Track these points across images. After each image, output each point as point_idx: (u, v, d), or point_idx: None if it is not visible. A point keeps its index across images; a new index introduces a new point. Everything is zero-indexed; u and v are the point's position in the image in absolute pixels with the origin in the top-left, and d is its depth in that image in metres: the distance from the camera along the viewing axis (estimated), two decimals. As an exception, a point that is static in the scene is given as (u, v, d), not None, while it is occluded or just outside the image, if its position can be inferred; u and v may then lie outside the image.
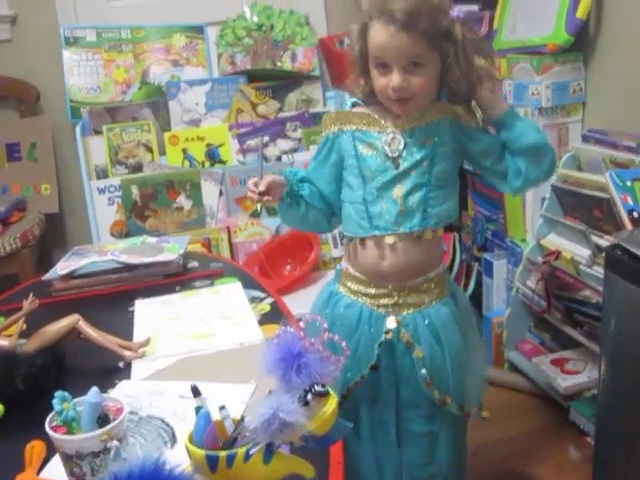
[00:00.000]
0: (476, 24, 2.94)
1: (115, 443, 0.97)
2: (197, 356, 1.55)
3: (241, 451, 0.95)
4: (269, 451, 0.95)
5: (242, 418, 1.00)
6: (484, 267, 2.74)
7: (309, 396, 0.91)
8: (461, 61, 1.44)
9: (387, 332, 1.59)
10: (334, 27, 3.42)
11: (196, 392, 1.05)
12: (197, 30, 3.30)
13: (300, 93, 3.24)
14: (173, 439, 1.22)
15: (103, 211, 3.02)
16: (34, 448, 1.22)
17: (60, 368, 1.53)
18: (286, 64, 3.30)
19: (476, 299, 2.81)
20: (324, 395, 0.92)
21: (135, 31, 3.24)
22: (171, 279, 2.03)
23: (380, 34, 1.44)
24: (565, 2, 2.48)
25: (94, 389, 1.09)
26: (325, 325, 0.94)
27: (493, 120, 1.54)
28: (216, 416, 1.02)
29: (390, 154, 1.54)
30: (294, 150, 3.15)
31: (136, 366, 1.53)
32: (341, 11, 3.43)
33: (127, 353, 1.57)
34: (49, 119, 3.26)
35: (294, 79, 3.24)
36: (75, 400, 1.09)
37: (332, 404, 0.94)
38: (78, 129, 3.03)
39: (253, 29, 3.31)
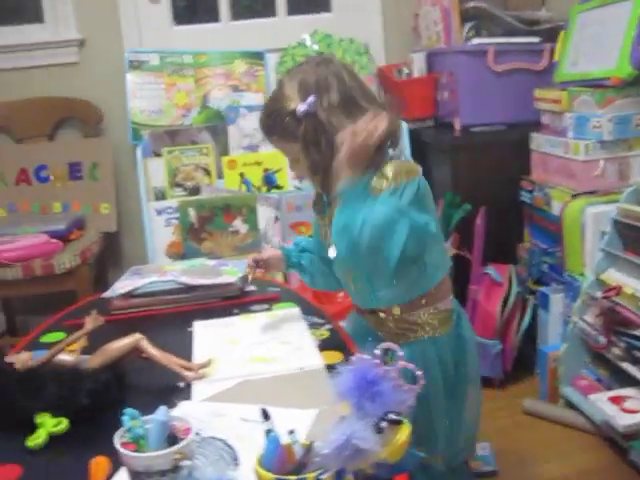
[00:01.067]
0: (536, 56, 2.94)
1: (188, 462, 0.97)
2: (257, 379, 1.55)
3: (311, 476, 0.94)
4: (338, 478, 0.95)
5: (311, 443, 1.00)
6: (540, 300, 2.71)
7: (383, 424, 0.90)
8: (304, 153, 1.51)
9: None
10: (393, 56, 3.43)
11: (266, 415, 1.05)
12: (257, 56, 3.34)
13: (358, 121, 3.25)
14: (235, 461, 1.22)
15: (160, 232, 3.05)
16: (99, 464, 1.23)
17: (121, 386, 1.55)
18: (344, 92, 3.32)
19: (531, 333, 2.78)
20: (398, 423, 0.91)
21: (197, 56, 3.29)
22: (229, 302, 2.03)
23: None
24: (630, 35, 2.47)
25: (163, 408, 1.09)
26: (401, 353, 0.94)
27: None
28: (284, 440, 1.02)
29: (328, 246, 1.59)
30: (350, 177, 3.15)
31: (196, 387, 1.53)
32: (400, 41, 3.45)
33: (188, 374, 1.58)
34: (111, 140, 3.33)
35: (352, 107, 3.25)
36: (142, 418, 1.10)
37: (405, 432, 0.93)
38: (139, 151, 3.08)
39: (313, 57, 3.33)
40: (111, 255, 3.39)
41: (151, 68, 3.26)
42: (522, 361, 2.86)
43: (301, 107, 1.46)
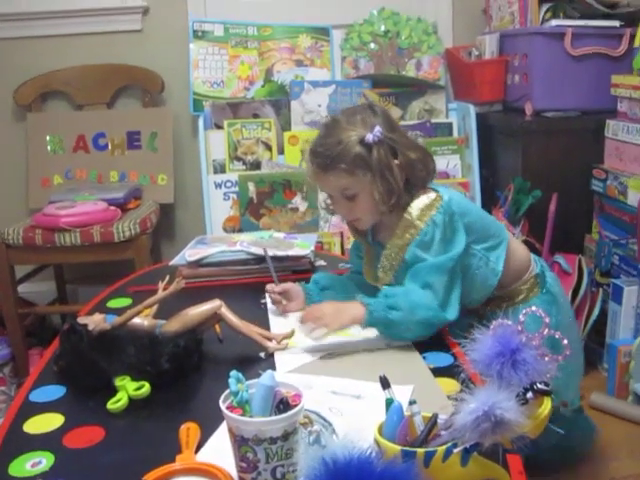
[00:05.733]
0: (615, 41, 2.84)
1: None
2: (344, 353, 1.49)
3: (441, 450, 0.88)
4: (468, 453, 0.88)
5: (435, 416, 0.93)
6: (612, 293, 2.61)
7: (529, 394, 0.83)
8: (379, 180, 1.52)
9: None
10: (461, 37, 3.34)
11: (385, 383, 0.98)
12: (323, 32, 3.26)
13: (423, 102, 3.17)
14: (334, 434, 1.15)
15: (217, 206, 2.99)
16: (189, 430, 1.17)
17: (199, 352, 1.49)
18: (410, 72, 3.24)
19: (595, 326, 2.69)
20: (546, 394, 0.84)
21: (262, 29, 3.22)
22: (300, 275, 1.97)
23: (309, 172, 1.61)
24: None
25: (269, 372, 1.03)
26: (547, 320, 0.86)
27: None
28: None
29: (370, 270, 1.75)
30: (413, 159, 3.07)
31: (280, 358, 1.48)
32: (469, 22, 3.36)
33: (270, 344, 1.52)
34: (171, 110, 3.26)
35: (418, 87, 3.17)
36: (247, 382, 1.04)
37: (547, 406, 0.86)
38: (201, 121, 3.02)
39: (379, 35, 3.25)
40: (165, 227, 3.34)
41: (215, 39, 3.19)
42: (585, 355, 2.75)
43: (370, 136, 1.50)
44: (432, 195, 1.56)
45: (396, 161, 1.54)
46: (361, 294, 1.56)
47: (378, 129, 1.51)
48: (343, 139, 1.51)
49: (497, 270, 1.64)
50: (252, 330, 1.53)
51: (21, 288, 2.96)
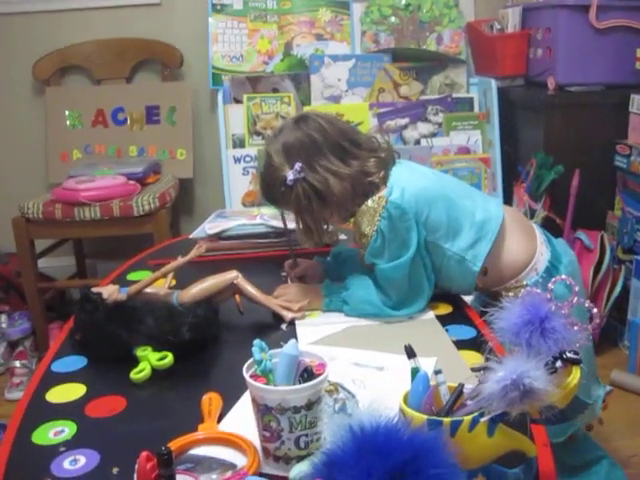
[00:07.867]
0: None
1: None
2: (365, 325, 1.48)
3: (467, 419, 0.86)
4: (494, 422, 0.87)
5: (461, 386, 0.92)
6: (635, 269, 2.58)
7: (558, 363, 0.81)
8: (299, 219, 1.55)
9: None
10: (482, 11, 3.29)
11: (411, 353, 0.97)
12: (343, 5, 3.22)
13: (444, 77, 3.13)
14: (357, 405, 1.14)
15: (236, 180, 2.98)
16: (211, 400, 1.17)
17: (217, 322, 1.48)
18: (431, 46, 3.20)
19: (616, 303, 2.66)
20: (575, 363, 0.82)
21: (281, 2, 3.18)
22: (320, 249, 1.95)
23: None
24: None
25: (292, 342, 1.02)
26: (576, 288, 0.85)
27: None
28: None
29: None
30: (433, 134, 3.05)
31: (301, 330, 1.47)
32: (491, -5, 3.32)
33: (287, 313, 1.51)
34: (190, 84, 3.25)
35: (439, 62, 3.13)
36: (270, 351, 1.03)
37: (577, 375, 0.84)
38: (220, 96, 3.00)
39: (400, 8, 3.21)
40: (183, 202, 3.33)
41: (234, 12, 3.16)
42: (606, 333, 2.74)
43: (290, 175, 1.48)
44: (375, 197, 1.50)
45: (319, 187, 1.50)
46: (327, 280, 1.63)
47: (298, 167, 1.47)
48: (271, 181, 1.53)
49: (474, 270, 1.54)
50: (270, 300, 1.53)
51: (41, 263, 2.97)
